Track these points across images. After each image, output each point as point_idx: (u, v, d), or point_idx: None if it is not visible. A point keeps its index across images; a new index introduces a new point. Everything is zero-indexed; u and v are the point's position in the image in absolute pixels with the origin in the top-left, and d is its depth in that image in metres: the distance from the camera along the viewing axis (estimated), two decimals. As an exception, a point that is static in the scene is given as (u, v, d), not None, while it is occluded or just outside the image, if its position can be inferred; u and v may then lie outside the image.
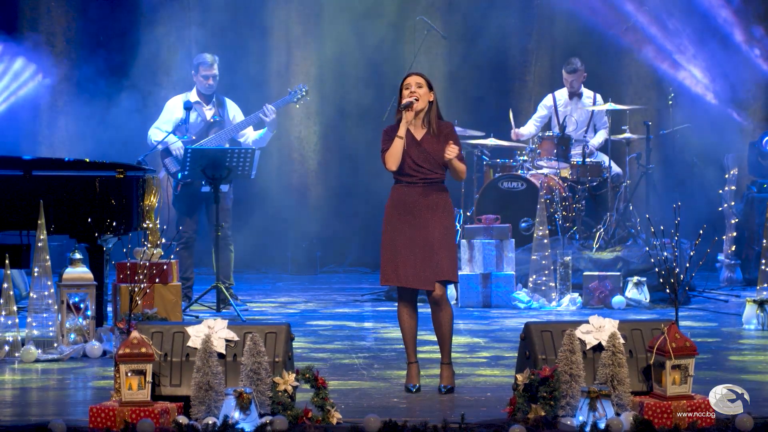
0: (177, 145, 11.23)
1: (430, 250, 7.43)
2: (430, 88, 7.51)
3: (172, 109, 11.44)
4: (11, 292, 8.77)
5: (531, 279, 11.45)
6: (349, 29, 14.27)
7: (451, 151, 7.40)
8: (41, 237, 8.78)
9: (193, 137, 11.31)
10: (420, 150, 7.46)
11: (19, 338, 8.72)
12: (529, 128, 12.99)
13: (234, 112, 11.53)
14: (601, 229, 12.13)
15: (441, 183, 7.54)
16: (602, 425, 6.23)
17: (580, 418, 6.31)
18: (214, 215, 10.95)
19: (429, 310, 7.52)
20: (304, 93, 11.54)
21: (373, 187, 14.20)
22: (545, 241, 11.42)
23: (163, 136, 11.26)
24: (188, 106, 11.26)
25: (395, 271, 7.45)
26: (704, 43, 14.10)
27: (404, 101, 7.44)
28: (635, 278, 11.45)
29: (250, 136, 11.50)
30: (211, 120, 11.42)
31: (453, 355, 7.66)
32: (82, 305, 8.94)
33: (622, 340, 6.62)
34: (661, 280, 6.97)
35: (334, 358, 8.73)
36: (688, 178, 13.82)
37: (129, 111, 13.83)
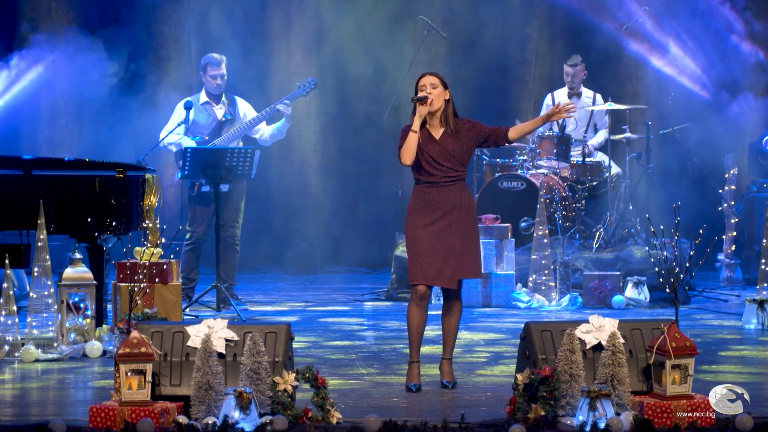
0: (190, 145, 11.24)
1: (454, 249, 7.45)
2: (445, 86, 7.53)
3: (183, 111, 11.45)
4: (11, 292, 8.77)
5: (531, 279, 11.45)
6: (349, 29, 14.27)
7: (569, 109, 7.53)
8: (41, 237, 8.78)
9: (206, 137, 11.33)
10: (440, 149, 7.46)
11: (19, 338, 8.72)
12: (537, 131, 12.95)
13: (245, 109, 11.54)
14: (601, 229, 12.13)
15: (462, 180, 7.55)
16: (602, 425, 6.23)
17: (580, 417, 6.31)
18: (217, 215, 10.96)
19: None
20: (313, 86, 11.55)
21: (373, 186, 14.22)
22: (545, 240, 11.42)
23: (174, 138, 11.25)
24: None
25: (421, 270, 7.45)
26: (705, 43, 14.10)
27: (419, 95, 7.45)
28: (635, 278, 11.45)
29: (266, 131, 11.52)
30: (223, 119, 11.43)
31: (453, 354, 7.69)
32: (82, 305, 8.94)
33: (622, 340, 6.62)
34: (661, 280, 6.97)
35: (334, 357, 8.73)
36: (688, 178, 13.82)
37: (130, 111, 13.84)
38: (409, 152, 7.45)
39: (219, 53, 11.63)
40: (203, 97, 11.46)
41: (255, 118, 11.43)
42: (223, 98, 11.49)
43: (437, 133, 7.52)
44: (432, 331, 8.22)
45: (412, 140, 7.44)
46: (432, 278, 7.46)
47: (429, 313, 7.60)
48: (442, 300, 7.68)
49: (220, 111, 11.46)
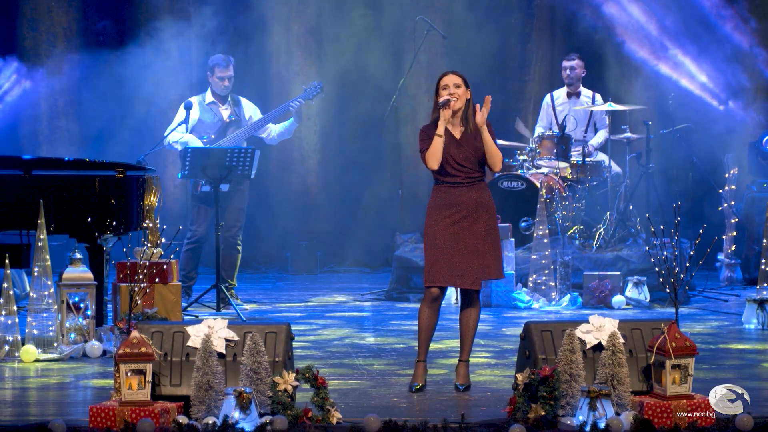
0: (196, 145, 11.25)
1: (476, 250, 7.42)
2: (467, 86, 7.51)
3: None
4: (11, 292, 8.77)
5: (531, 279, 11.45)
6: (348, 29, 14.26)
7: (481, 115, 7.40)
8: (41, 237, 8.78)
9: (212, 136, 11.34)
10: (461, 149, 7.43)
11: (19, 338, 8.72)
12: (539, 132, 12.95)
13: (250, 111, 11.55)
14: (601, 229, 12.13)
15: (482, 181, 7.53)
16: (602, 425, 6.23)
17: (580, 417, 6.31)
18: (217, 215, 10.97)
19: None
20: (319, 90, 11.59)
21: (373, 187, 14.22)
22: (545, 240, 11.42)
23: (179, 137, 11.25)
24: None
25: (442, 271, 7.41)
26: (704, 42, 14.09)
27: (442, 99, 7.42)
28: (635, 278, 11.45)
29: (273, 129, 11.54)
30: (228, 120, 11.44)
31: (454, 353, 7.68)
32: (82, 305, 8.94)
33: (622, 340, 6.62)
34: (661, 280, 6.97)
35: (334, 357, 8.73)
36: (688, 178, 13.82)
37: (129, 111, 13.85)
38: (435, 157, 7.40)
39: (214, 54, 11.64)
40: (209, 97, 11.47)
41: (261, 119, 11.46)
42: (229, 99, 11.50)
43: (458, 133, 7.48)
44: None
45: (438, 144, 7.38)
46: (453, 280, 7.43)
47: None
48: (459, 302, 7.64)
49: (225, 112, 11.47)
